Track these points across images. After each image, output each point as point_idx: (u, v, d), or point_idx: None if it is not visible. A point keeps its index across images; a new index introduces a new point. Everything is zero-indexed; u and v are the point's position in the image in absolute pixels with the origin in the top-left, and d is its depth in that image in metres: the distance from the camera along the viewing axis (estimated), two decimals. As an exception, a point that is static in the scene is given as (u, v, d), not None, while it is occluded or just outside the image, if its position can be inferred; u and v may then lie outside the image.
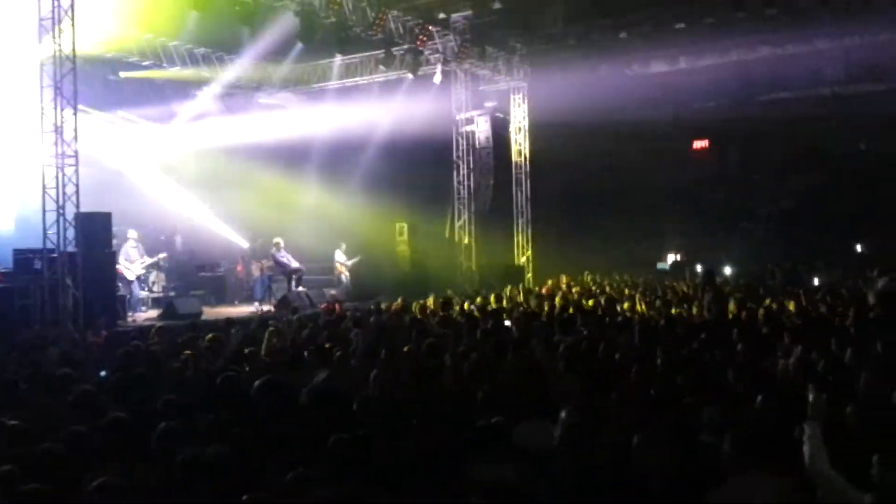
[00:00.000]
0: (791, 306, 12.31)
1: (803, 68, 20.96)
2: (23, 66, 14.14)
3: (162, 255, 16.89)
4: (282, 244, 17.53)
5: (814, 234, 20.72)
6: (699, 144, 24.99)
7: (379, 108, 21.22)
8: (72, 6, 12.31)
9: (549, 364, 7.42)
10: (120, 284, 14.79)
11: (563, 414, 4.96)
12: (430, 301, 13.92)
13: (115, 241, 15.34)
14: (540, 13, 18.56)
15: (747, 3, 17.99)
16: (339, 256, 19.36)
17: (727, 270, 20.24)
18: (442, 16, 18.50)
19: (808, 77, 21.49)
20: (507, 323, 11.02)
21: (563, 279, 17.20)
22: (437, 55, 19.16)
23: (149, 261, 16.27)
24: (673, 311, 12.72)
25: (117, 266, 14.86)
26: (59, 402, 6.45)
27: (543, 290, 16.47)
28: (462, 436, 5.05)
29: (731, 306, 12.44)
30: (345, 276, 19.20)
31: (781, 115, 21.95)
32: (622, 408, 5.76)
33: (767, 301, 13.04)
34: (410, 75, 19.24)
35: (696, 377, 6.62)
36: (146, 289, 16.58)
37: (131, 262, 15.76)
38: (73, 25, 12.38)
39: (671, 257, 23.79)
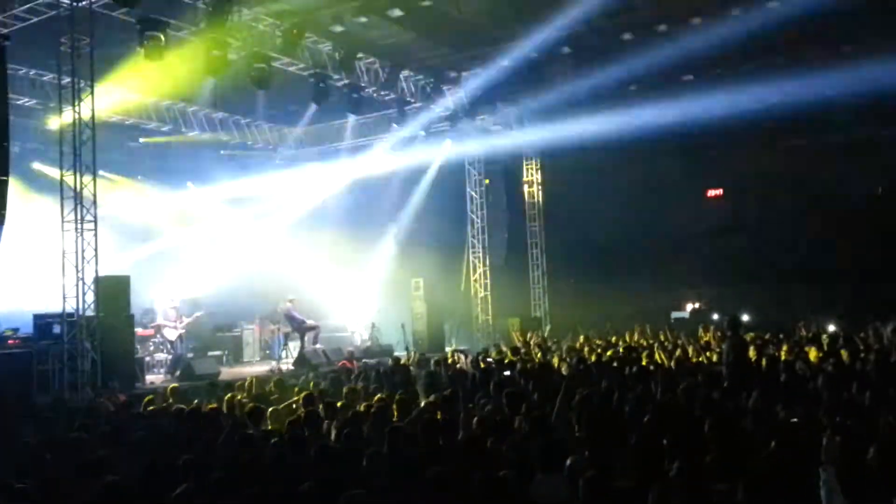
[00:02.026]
0: (812, 353, 12.14)
1: (815, 115, 21.04)
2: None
3: (199, 314, 17.09)
4: (295, 302, 17.63)
5: (831, 281, 20.49)
6: (713, 193, 24.99)
7: (392, 164, 21.52)
8: (91, 75, 12.69)
9: (565, 416, 7.35)
10: (151, 345, 15.48)
11: (568, 462, 4.93)
12: (448, 355, 13.90)
13: (148, 304, 15.81)
14: (549, 68, 18.84)
15: (755, 54, 18.24)
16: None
17: (745, 318, 20.02)
18: (453, 74, 18.85)
19: (819, 123, 21.55)
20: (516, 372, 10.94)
21: (580, 330, 17.09)
22: (448, 112, 19.48)
23: (187, 320, 16.50)
24: (693, 359, 12.57)
25: (157, 324, 15.76)
26: (69, 466, 6.47)
27: (560, 342, 16.36)
28: (475, 489, 5.00)
29: (751, 353, 12.30)
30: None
31: (795, 161, 21.96)
32: (637, 458, 5.69)
33: (786, 348, 12.86)
34: (423, 132, 19.55)
35: (714, 425, 6.52)
36: (164, 350, 16.67)
37: (171, 322, 16.06)
38: (92, 93, 12.75)
39: (689, 306, 23.58)
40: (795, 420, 6.81)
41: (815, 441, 5.06)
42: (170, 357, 16.61)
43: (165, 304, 16.39)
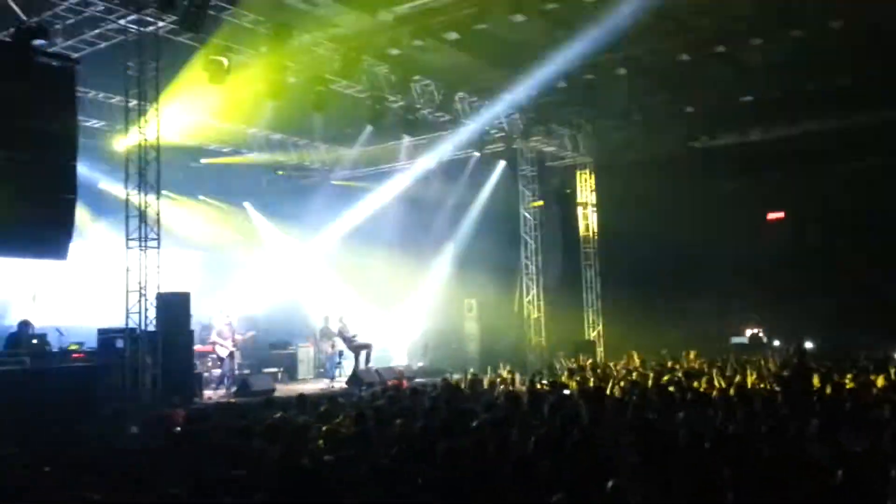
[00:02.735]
0: (880, 381, 11.75)
1: (877, 137, 20.50)
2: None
3: (251, 333, 17.41)
4: (346, 320, 17.84)
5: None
6: (774, 216, 24.45)
7: (447, 186, 21.63)
8: (157, 97, 13.10)
9: (618, 441, 7.24)
10: (210, 359, 15.61)
11: (609, 484, 4.88)
12: (503, 374, 13.85)
13: (206, 320, 16.18)
14: (604, 89, 18.77)
15: (815, 75, 17.90)
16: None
17: (808, 345, 19.47)
18: (507, 96, 18.91)
19: (883, 145, 20.96)
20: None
21: (635, 355, 16.84)
22: (502, 133, 19.54)
23: (240, 338, 16.81)
24: (753, 385, 12.28)
25: (210, 342, 15.84)
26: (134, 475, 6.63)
27: (615, 365, 16.16)
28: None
29: (816, 381, 11.97)
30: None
31: (859, 185, 21.38)
32: (691, 487, 5.58)
33: (851, 376, 12.46)
34: (477, 153, 19.62)
35: (776, 454, 6.35)
36: (220, 366, 16.99)
37: (224, 339, 16.37)
38: (157, 115, 13.15)
39: (748, 332, 23.04)
40: (861, 450, 6.60)
41: (883, 473, 4.90)
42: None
43: (220, 321, 16.72)
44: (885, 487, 4.50)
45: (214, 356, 16.64)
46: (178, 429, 9.43)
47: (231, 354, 16.53)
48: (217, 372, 16.67)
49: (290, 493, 5.83)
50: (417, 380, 16.62)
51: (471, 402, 10.65)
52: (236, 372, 16.86)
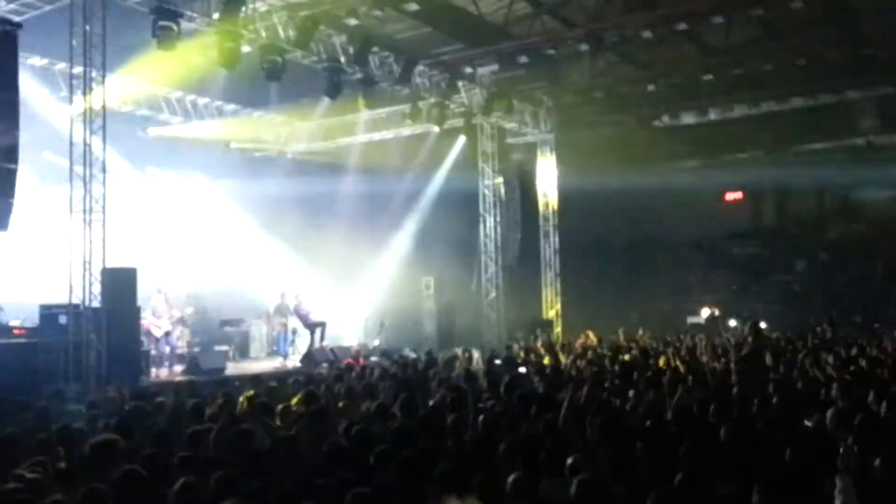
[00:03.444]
0: (829, 360, 11.87)
1: (836, 118, 20.71)
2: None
3: (189, 310, 16.88)
4: (302, 298, 17.49)
5: (851, 287, 20.15)
6: (732, 196, 24.66)
7: (405, 161, 21.33)
8: (103, 63, 12.57)
9: (574, 419, 7.14)
10: (144, 339, 14.75)
11: (569, 461, 4.77)
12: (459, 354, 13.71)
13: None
14: (566, 66, 18.60)
15: (777, 55, 17.94)
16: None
17: (762, 325, 19.72)
18: (468, 70, 18.64)
19: (841, 127, 21.21)
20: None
21: (591, 334, 16.84)
22: (462, 109, 19.28)
23: (176, 315, 16.25)
24: (708, 364, 12.32)
25: (143, 322, 14.87)
26: (75, 457, 6.35)
27: (572, 344, 16.14)
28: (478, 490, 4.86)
29: (768, 360, 12.06)
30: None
31: (815, 165, 21.63)
32: (643, 463, 5.54)
33: (802, 355, 12.58)
34: (436, 128, 19.35)
35: (729, 431, 6.32)
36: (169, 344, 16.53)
37: (159, 318, 15.74)
38: (104, 83, 12.63)
39: (705, 311, 23.28)
40: (810, 425, 6.63)
41: (832, 449, 4.92)
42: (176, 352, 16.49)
43: (156, 298, 15.70)
44: (834, 461, 4.50)
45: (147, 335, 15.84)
46: (126, 407, 9.10)
47: (167, 333, 15.90)
48: (166, 349, 16.22)
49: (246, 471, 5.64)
50: (373, 358, 16.40)
51: (428, 381, 10.50)
52: (178, 350, 16.40)
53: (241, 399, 8.88)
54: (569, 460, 5.20)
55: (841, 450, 4.47)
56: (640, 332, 17.15)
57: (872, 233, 21.17)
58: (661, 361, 12.98)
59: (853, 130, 21.05)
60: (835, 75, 18.67)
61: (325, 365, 15.00)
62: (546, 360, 13.21)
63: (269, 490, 5.37)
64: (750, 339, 12.71)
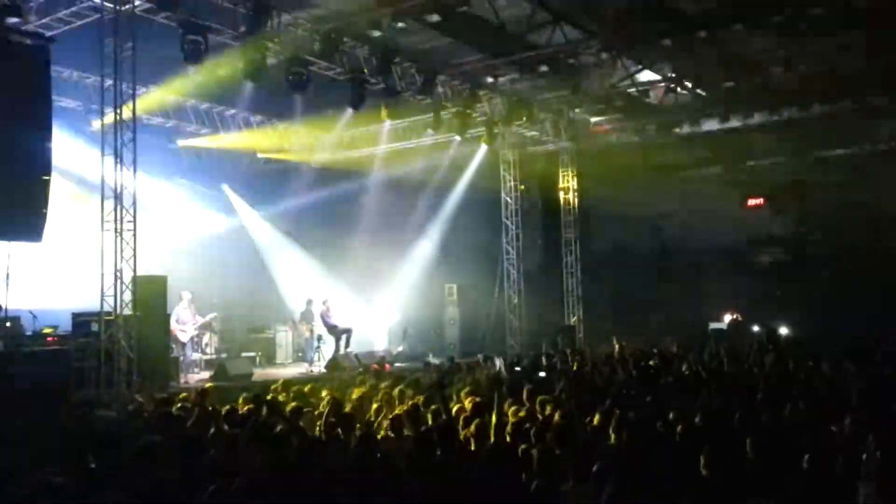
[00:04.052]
0: (852, 368, 11.87)
1: (859, 124, 20.60)
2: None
3: (212, 315, 17.15)
4: (329, 305, 17.70)
5: (873, 293, 19.99)
6: (754, 202, 24.57)
7: (427, 170, 21.51)
8: (133, 77, 12.86)
9: (599, 425, 7.24)
10: (173, 346, 15.06)
11: (595, 468, 4.86)
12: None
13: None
14: (587, 75, 18.68)
15: (797, 62, 17.90)
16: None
17: (784, 331, 19.65)
18: (489, 79, 18.79)
19: (864, 133, 21.09)
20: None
21: (614, 340, 16.87)
22: (484, 118, 19.43)
23: (201, 321, 16.54)
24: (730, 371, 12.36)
25: (171, 328, 15.19)
26: (108, 462, 6.53)
27: (594, 350, 16.19)
28: (506, 498, 4.95)
29: (791, 366, 12.09)
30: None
31: (837, 171, 21.53)
32: (672, 470, 5.59)
33: (826, 363, 12.57)
34: (458, 137, 19.52)
35: (754, 438, 6.38)
36: (199, 350, 16.83)
37: (184, 324, 16.05)
38: (133, 96, 12.92)
39: (727, 317, 23.22)
40: (834, 430, 6.67)
41: (856, 455, 4.95)
42: (204, 358, 16.79)
43: (180, 305, 16.12)
44: (858, 468, 4.54)
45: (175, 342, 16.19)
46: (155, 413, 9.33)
47: (193, 339, 16.24)
48: (196, 356, 16.51)
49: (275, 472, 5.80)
50: (397, 364, 16.58)
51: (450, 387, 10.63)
52: (206, 356, 16.70)
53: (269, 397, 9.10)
54: (595, 467, 5.25)
55: (864, 456, 4.47)
56: (665, 339, 17.17)
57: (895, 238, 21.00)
58: (682, 367, 13.03)
59: (875, 136, 20.92)
60: (855, 81, 18.60)
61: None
62: (573, 367, 13.29)
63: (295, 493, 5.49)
64: (770, 346, 12.72)
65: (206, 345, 17.20)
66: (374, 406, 8.81)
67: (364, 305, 20.67)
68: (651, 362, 13.37)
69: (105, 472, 6.10)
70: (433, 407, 7.98)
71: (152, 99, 16.35)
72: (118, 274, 12.51)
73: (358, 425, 7.73)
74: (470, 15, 15.10)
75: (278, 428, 7.03)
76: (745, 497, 4.74)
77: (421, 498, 5.24)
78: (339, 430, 7.43)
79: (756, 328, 19.91)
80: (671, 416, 7.55)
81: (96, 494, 5.51)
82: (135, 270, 12.67)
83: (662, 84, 19.47)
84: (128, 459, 6.11)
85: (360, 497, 5.15)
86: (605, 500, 4.69)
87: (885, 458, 4.84)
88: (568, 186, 22.23)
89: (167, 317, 14.11)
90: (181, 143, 19.62)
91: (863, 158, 20.90)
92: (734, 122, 21.03)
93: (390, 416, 7.94)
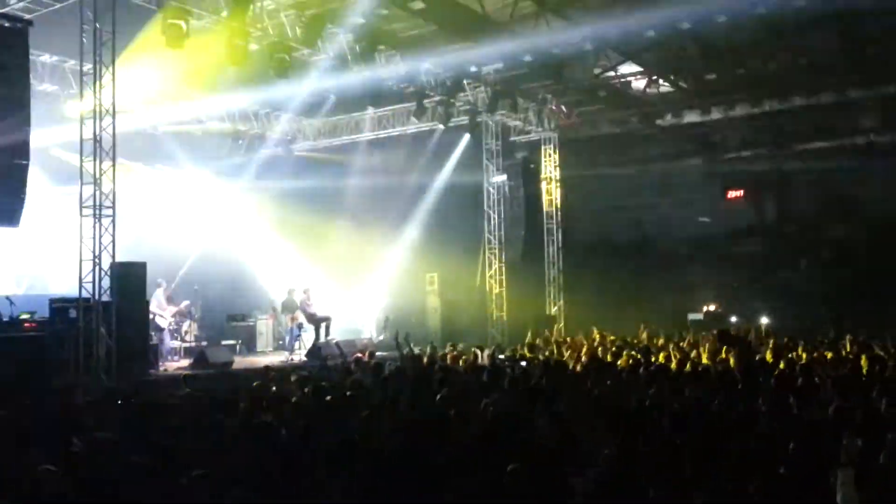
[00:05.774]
0: (829, 356, 12.03)
1: (839, 117, 20.79)
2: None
3: (186, 303, 17.02)
4: (310, 293, 17.64)
5: (853, 285, 20.22)
6: (734, 194, 24.73)
7: (410, 159, 21.46)
8: (113, 61, 12.70)
9: (580, 414, 7.29)
10: (153, 333, 14.96)
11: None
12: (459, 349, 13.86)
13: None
14: (570, 65, 18.69)
15: (778, 56, 18.03)
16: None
17: (763, 321, 19.83)
18: (473, 68, 18.75)
19: (843, 126, 21.28)
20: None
21: (595, 330, 16.96)
22: (467, 107, 19.40)
23: (174, 309, 16.45)
24: (708, 361, 12.46)
25: (151, 314, 15.12)
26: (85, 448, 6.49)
27: (575, 340, 16.27)
28: (488, 485, 4.98)
29: (769, 356, 12.21)
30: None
31: (818, 164, 21.70)
32: (651, 457, 5.65)
33: (804, 352, 12.72)
34: (441, 126, 19.48)
35: (733, 426, 6.46)
36: (178, 338, 16.72)
37: (163, 310, 15.97)
38: (113, 80, 12.76)
39: (705, 308, 23.40)
40: (811, 420, 6.75)
41: (834, 442, 5.03)
42: (183, 345, 16.69)
43: (159, 291, 16.08)
44: (837, 454, 4.60)
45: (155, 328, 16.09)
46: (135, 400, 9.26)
47: (170, 326, 16.14)
48: (175, 344, 16.41)
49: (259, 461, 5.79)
50: (378, 353, 16.54)
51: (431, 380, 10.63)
52: (184, 345, 16.62)
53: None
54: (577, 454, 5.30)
55: (844, 443, 4.51)
56: (642, 330, 17.27)
57: (874, 231, 21.24)
58: (662, 357, 13.14)
59: (854, 129, 21.12)
60: (836, 74, 18.76)
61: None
62: (553, 356, 13.35)
63: (285, 481, 5.49)
64: (748, 336, 12.85)
65: (186, 332, 17.08)
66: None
67: (345, 293, 20.62)
68: (632, 352, 13.43)
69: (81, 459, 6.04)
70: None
71: (132, 83, 16.12)
72: (97, 260, 12.39)
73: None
74: (454, 3, 15.06)
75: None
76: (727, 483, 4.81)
77: (405, 483, 5.26)
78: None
79: (734, 319, 20.09)
80: (652, 405, 7.61)
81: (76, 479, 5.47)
82: (114, 257, 12.55)
83: (644, 76, 19.55)
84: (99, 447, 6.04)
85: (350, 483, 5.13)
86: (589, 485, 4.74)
87: (864, 445, 4.91)
88: (550, 176, 22.26)
89: (146, 304, 13.99)
90: (162, 127, 19.40)
91: (842, 151, 21.06)
92: (715, 115, 21.16)
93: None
